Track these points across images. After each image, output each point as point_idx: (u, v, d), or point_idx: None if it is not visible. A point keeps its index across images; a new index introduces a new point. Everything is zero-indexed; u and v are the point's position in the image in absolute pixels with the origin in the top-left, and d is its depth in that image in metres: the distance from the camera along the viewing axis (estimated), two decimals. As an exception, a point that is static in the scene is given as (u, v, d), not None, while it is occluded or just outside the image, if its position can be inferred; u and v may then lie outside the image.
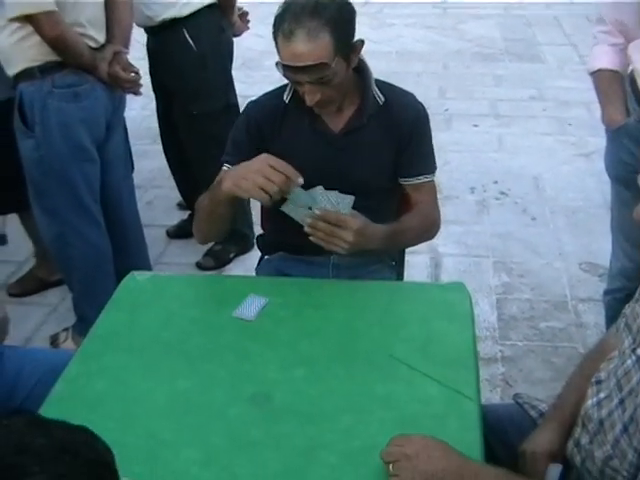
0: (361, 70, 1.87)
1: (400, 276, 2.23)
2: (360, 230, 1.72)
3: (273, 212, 2.00)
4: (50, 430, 0.75)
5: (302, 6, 1.65)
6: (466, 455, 1.27)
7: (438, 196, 2.06)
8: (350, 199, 1.72)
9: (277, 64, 1.70)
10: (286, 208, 1.77)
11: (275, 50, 1.71)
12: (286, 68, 1.69)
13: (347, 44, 1.72)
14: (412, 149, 1.91)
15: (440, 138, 4.38)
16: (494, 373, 2.72)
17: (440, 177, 3.40)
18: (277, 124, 1.89)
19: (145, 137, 4.49)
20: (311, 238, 1.75)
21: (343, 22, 1.69)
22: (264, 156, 1.69)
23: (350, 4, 1.74)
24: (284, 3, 1.69)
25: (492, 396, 2.60)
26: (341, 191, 1.72)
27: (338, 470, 1.31)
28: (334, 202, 1.73)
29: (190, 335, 1.67)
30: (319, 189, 1.73)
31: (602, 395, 1.34)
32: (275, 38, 1.69)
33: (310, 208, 1.73)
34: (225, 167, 1.91)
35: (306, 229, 1.74)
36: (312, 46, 1.64)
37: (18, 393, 1.77)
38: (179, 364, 1.58)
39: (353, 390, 1.49)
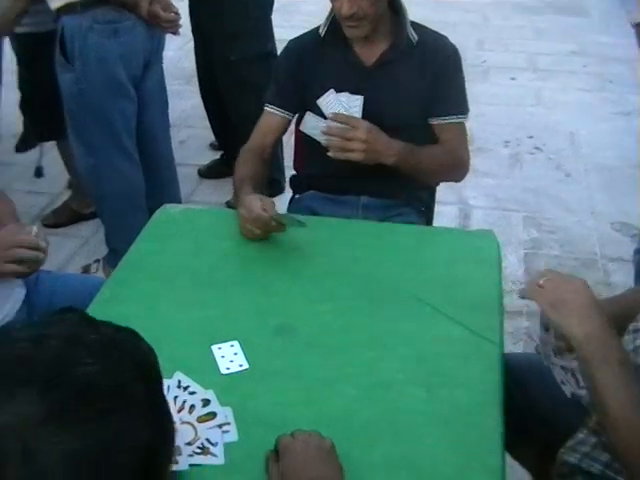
0: (397, 9, 1.93)
1: (429, 222, 2.24)
2: (371, 128, 1.80)
3: (307, 151, 2.02)
4: (100, 328, 0.79)
5: None
6: (488, 396, 1.28)
7: (470, 147, 2.05)
8: (360, 99, 1.84)
9: None
10: (304, 127, 1.88)
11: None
12: None
13: None
14: (442, 88, 1.94)
15: (476, 90, 4.35)
16: (518, 327, 2.73)
17: (474, 129, 3.33)
18: (315, 57, 1.96)
19: (179, 77, 4.49)
20: (329, 153, 1.81)
21: None
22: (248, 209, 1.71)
23: None
24: None
25: (514, 349, 2.61)
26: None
27: (356, 402, 1.34)
28: (345, 105, 1.84)
29: (219, 266, 1.70)
30: (330, 92, 1.85)
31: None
32: None
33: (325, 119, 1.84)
34: (267, 107, 2.01)
35: (322, 142, 1.81)
36: None
37: (51, 316, 1.81)
38: (207, 293, 1.61)
39: (376, 326, 1.52)
